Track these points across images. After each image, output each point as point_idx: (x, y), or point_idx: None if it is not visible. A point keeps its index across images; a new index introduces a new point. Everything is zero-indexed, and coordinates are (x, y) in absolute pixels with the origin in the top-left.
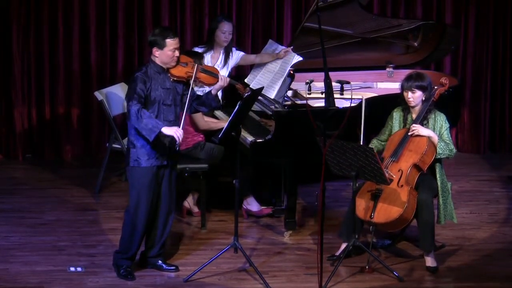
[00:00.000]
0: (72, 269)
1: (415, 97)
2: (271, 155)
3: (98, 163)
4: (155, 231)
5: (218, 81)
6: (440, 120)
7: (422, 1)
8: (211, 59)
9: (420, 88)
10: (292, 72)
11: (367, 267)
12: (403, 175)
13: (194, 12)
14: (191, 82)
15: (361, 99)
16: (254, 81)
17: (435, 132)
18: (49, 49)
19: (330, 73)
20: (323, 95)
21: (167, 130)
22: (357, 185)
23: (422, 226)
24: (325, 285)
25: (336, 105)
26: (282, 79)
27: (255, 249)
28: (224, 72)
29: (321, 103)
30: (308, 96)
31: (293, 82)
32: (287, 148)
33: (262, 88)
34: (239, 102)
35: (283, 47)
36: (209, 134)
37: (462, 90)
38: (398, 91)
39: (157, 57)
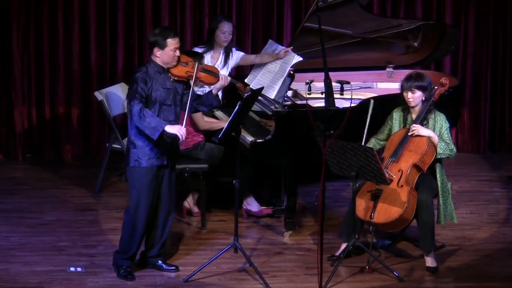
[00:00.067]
0: (72, 269)
1: (415, 97)
2: (271, 155)
3: (98, 163)
4: (155, 231)
5: (218, 80)
6: (440, 120)
7: (422, 1)
8: (211, 59)
9: (420, 88)
10: (292, 72)
11: (367, 267)
12: (403, 175)
13: (194, 12)
14: (192, 81)
15: (370, 100)
16: (254, 81)
17: (435, 132)
18: (49, 49)
19: (330, 73)
20: (323, 95)
21: (170, 129)
22: (357, 185)
23: (422, 226)
24: (325, 285)
25: (336, 105)
26: (282, 79)
27: (255, 249)
28: (224, 72)
29: (321, 103)
30: (308, 96)
31: (293, 82)
32: (287, 148)
33: (262, 88)
34: (239, 102)
35: (283, 47)
36: (209, 134)
37: (462, 90)
38: (398, 91)
39: (158, 57)
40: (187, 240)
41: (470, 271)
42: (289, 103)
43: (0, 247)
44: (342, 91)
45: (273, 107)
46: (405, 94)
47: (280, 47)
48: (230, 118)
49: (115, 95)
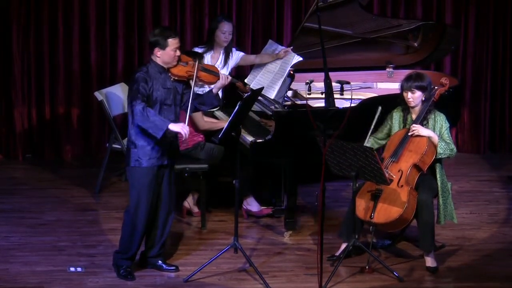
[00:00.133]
0: (72, 269)
1: (414, 97)
2: (271, 155)
3: (98, 163)
4: (155, 231)
5: (218, 79)
6: (440, 120)
7: (422, 1)
8: (211, 59)
9: (419, 88)
10: (292, 72)
11: (367, 267)
12: (403, 175)
13: (194, 12)
14: (192, 81)
15: (378, 107)
16: (254, 81)
17: (435, 132)
18: (49, 49)
19: (330, 73)
20: (323, 95)
21: (174, 127)
22: (357, 185)
23: (422, 226)
24: (325, 285)
25: (336, 105)
26: (282, 79)
27: (255, 249)
28: (224, 72)
29: (321, 103)
30: (308, 96)
31: (293, 82)
32: (287, 148)
33: (262, 88)
34: (239, 103)
35: (283, 47)
36: (209, 134)
37: (462, 90)
38: (398, 91)
39: (158, 57)
40: (187, 240)
41: (470, 271)
42: (289, 103)
43: (0, 247)
44: (342, 91)
45: (273, 107)
46: (405, 94)
47: (280, 47)
48: (230, 118)
49: (115, 95)
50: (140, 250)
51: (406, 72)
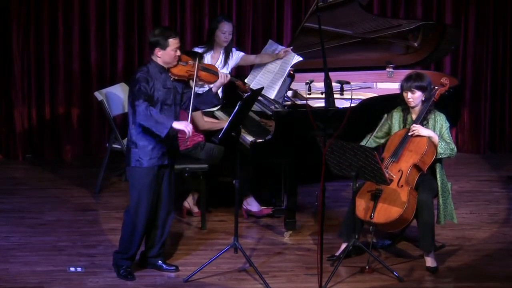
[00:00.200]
0: (72, 269)
1: (414, 97)
2: (271, 155)
3: (98, 163)
4: (155, 231)
5: (218, 78)
6: (440, 120)
7: (422, 1)
8: (211, 59)
9: (419, 88)
10: (292, 72)
11: (367, 267)
12: (403, 175)
13: (194, 12)
14: (193, 80)
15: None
16: (254, 81)
17: (436, 132)
18: (49, 49)
19: (330, 73)
20: (323, 95)
21: (178, 125)
22: (357, 185)
23: (422, 226)
24: (325, 285)
25: (336, 105)
26: (282, 79)
27: (255, 249)
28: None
29: (321, 103)
30: (308, 96)
31: (293, 82)
32: (287, 148)
33: (262, 88)
34: (239, 103)
35: (283, 47)
36: (209, 134)
37: (462, 90)
38: (398, 91)
39: (159, 57)
40: (187, 240)
41: (470, 271)
42: (289, 103)
43: (0, 247)
44: (342, 91)
45: (273, 107)
46: (404, 94)
47: (280, 47)
48: (230, 118)
49: (115, 95)
50: (140, 250)
51: (406, 72)
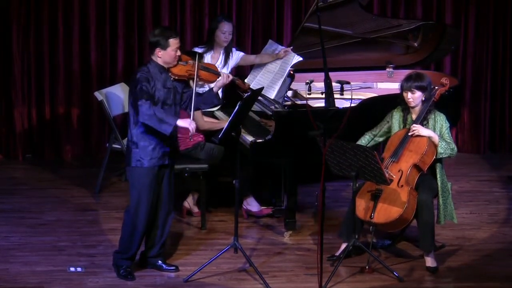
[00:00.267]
0: (72, 269)
1: (414, 97)
2: (271, 155)
3: (98, 163)
4: (155, 231)
5: (219, 78)
6: (440, 120)
7: (422, 1)
8: (211, 59)
9: (419, 88)
10: (292, 72)
11: (367, 267)
12: (403, 175)
13: (194, 12)
14: (193, 80)
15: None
16: (254, 81)
17: (436, 132)
18: (49, 49)
19: (330, 73)
20: (323, 95)
21: (182, 123)
22: (357, 185)
23: (422, 226)
24: (325, 285)
25: (336, 105)
26: (282, 79)
27: (255, 249)
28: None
29: (321, 103)
30: (308, 96)
31: (293, 82)
32: (287, 148)
33: (262, 88)
34: (239, 103)
35: (283, 47)
36: (209, 134)
37: (462, 90)
38: (398, 91)
39: (160, 57)
40: (187, 240)
41: (470, 271)
42: (289, 103)
43: (0, 247)
44: (342, 91)
45: (273, 107)
46: (404, 94)
47: (280, 47)
48: (230, 118)
49: (115, 95)
50: (140, 250)
51: (406, 72)
